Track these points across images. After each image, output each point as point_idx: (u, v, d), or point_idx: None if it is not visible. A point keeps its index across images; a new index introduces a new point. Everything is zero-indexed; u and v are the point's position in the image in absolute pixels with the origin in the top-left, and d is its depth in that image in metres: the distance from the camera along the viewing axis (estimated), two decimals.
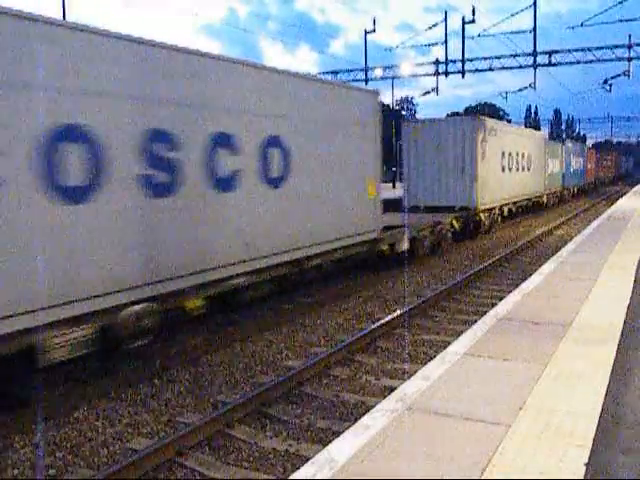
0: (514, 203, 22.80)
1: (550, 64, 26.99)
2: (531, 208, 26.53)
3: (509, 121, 73.43)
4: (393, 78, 31.84)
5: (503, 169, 20.80)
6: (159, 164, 6.93)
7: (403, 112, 72.69)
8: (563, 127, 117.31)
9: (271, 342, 8.47)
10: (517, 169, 22.77)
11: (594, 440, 3.34)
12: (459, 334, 6.33)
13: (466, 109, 75.53)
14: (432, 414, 3.74)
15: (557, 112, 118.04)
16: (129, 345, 6.70)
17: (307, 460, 3.41)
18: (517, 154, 22.68)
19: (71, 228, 5.93)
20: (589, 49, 26.41)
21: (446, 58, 28.71)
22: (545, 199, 28.67)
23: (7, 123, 5.38)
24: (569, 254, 10.39)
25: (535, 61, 27.01)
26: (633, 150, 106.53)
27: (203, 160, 7.58)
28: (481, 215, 18.73)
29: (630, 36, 26.06)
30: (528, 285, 7.82)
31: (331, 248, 10.51)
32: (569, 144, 36.83)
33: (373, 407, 3.99)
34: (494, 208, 20.07)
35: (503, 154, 20.77)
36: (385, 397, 4.29)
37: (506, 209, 21.66)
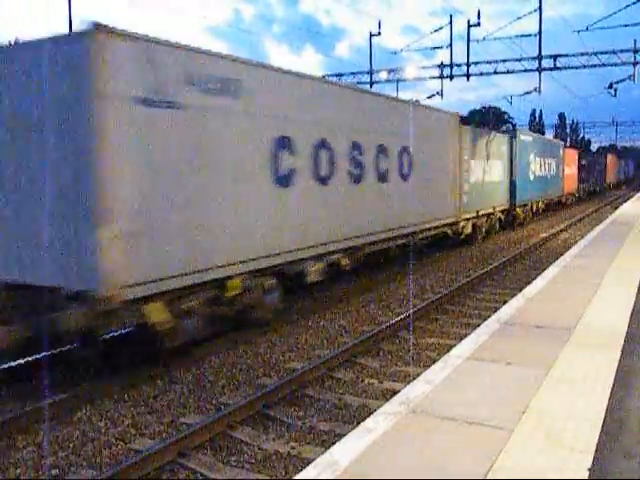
0: (348, 250, 10.78)
1: (555, 68, 26.92)
2: (425, 247, 15.77)
3: (514, 125, 69.61)
4: (398, 81, 31.75)
5: (283, 181, 8.94)
6: None
7: None
8: (568, 131, 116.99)
9: (274, 344, 8.47)
10: (354, 179, 10.86)
11: (597, 445, 3.33)
12: (462, 338, 6.32)
13: (471, 112, 74.85)
14: (435, 417, 3.74)
15: (562, 116, 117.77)
16: None
17: (309, 463, 3.41)
18: (351, 146, 10.74)
19: None
20: (594, 53, 26.33)
21: (451, 61, 28.68)
22: (467, 228, 17.19)
23: None
24: (572, 258, 10.37)
25: (540, 65, 26.94)
26: (637, 154, 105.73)
27: None
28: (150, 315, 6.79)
29: (635, 41, 25.95)
30: (531, 289, 7.80)
31: None
32: (525, 137, 24.29)
33: (376, 410, 3.99)
34: (222, 285, 7.92)
35: (282, 142, 8.92)
36: (388, 400, 4.29)
37: (312, 270, 9.79)
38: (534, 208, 26.04)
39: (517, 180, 22.27)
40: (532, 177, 24.87)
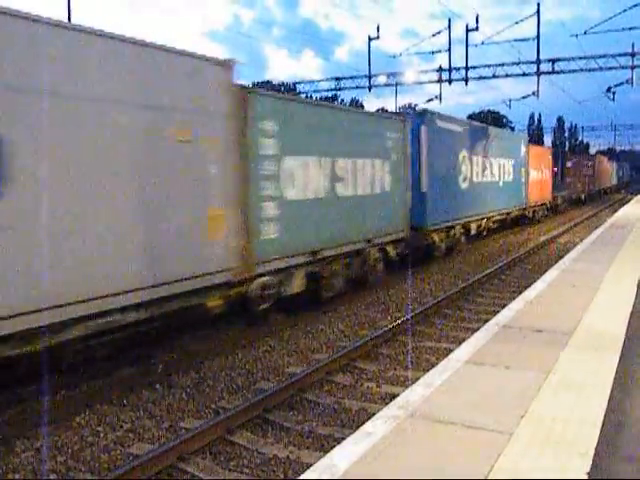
0: None
1: (553, 72, 27.00)
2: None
3: (512, 129, 69.72)
4: (397, 85, 31.87)
5: None
6: None
7: None
8: (566, 135, 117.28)
9: (273, 348, 8.46)
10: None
11: (597, 448, 3.33)
12: (461, 341, 6.32)
13: (469, 116, 75.15)
14: (434, 421, 3.73)
15: (560, 120, 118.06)
16: None
17: (308, 467, 3.40)
18: None
19: None
20: (592, 57, 26.42)
21: (449, 65, 28.75)
22: (290, 285, 9.27)
23: None
24: (572, 262, 10.37)
25: (538, 69, 27.02)
26: (636, 158, 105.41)
27: None
28: None
29: (633, 44, 26.04)
30: (531, 293, 7.80)
31: None
32: (445, 125, 15.55)
33: (375, 414, 3.99)
34: None
35: None
36: (387, 404, 4.28)
37: None
38: (473, 229, 17.81)
39: (429, 190, 14.26)
40: (465, 185, 16.98)
